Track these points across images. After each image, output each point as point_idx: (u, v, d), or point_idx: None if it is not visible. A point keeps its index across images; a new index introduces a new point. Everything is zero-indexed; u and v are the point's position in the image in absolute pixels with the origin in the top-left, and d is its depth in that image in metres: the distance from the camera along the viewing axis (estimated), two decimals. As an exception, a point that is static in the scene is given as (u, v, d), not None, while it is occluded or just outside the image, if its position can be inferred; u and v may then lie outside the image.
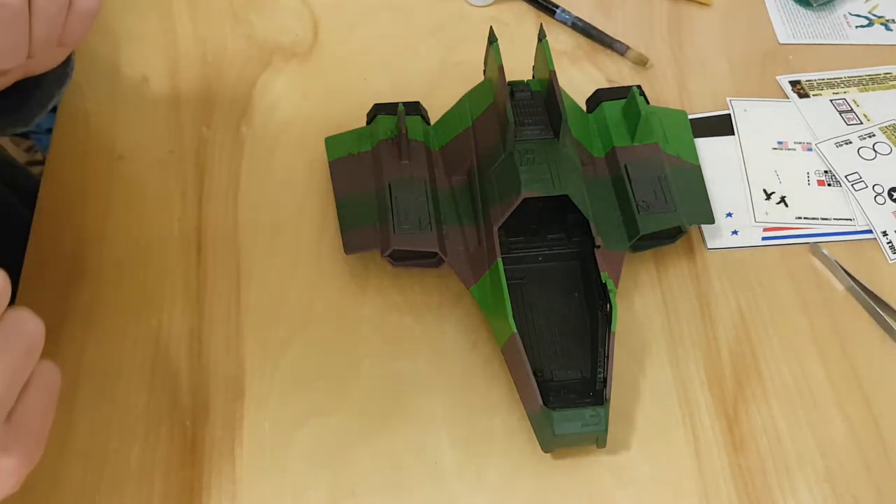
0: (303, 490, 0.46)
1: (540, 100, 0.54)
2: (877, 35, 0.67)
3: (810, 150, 0.59)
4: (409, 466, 0.47)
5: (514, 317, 0.46)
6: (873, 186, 0.57)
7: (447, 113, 0.56)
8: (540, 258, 0.52)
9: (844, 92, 0.63)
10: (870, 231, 0.56)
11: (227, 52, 0.64)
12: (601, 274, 0.48)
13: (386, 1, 0.67)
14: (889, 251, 0.55)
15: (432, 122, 0.57)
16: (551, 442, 0.45)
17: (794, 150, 0.60)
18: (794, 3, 0.68)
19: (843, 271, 0.54)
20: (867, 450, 0.48)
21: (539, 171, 0.49)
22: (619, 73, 0.63)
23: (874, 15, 0.68)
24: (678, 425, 0.49)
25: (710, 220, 0.54)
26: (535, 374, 0.46)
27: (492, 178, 0.51)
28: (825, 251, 0.54)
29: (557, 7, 0.66)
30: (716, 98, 0.62)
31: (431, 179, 0.53)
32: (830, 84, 0.63)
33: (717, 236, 0.56)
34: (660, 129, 0.56)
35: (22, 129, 0.47)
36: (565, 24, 0.66)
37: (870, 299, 0.53)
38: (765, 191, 0.58)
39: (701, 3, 0.68)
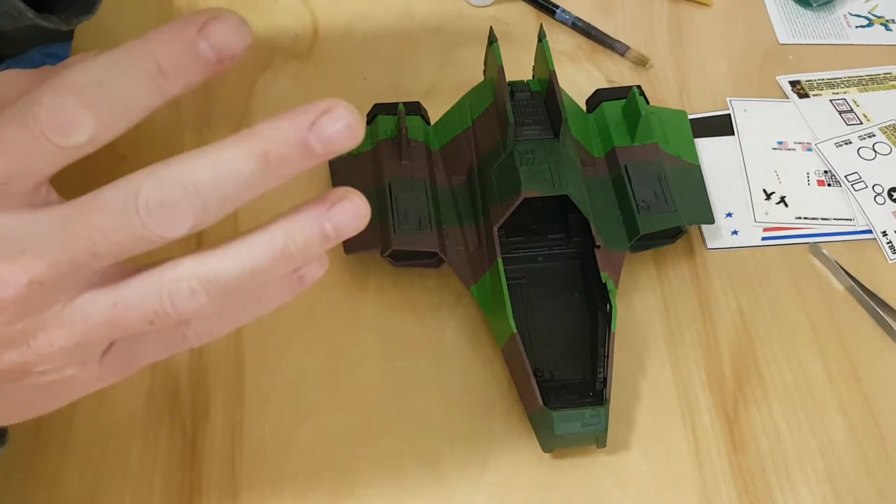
0: (303, 490, 0.46)
1: (540, 100, 0.54)
2: (877, 35, 0.67)
3: (810, 150, 0.59)
4: (409, 466, 0.47)
5: (514, 317, 0.46)
6: (873, 186, 0.57)
7: (447, 113, 0.56)
8: (540, 258, 0.52)
9: (844, 92, 0.63)
10: (870, 231, 0.56)
11: (227, 52, 0.63)
12: (601, 274, 0.48)
13: (386, 1, 0.67)
14: (889, 251, 0.55)
15: (432, 122, 0.57)
16: (551, 442, 0.45)
17: (794, 150, 0.60)
18: (794, 3, 0.68)
19: (843, 271, 0.54)
20: (867, 450, 0.48)
21: (539, 171, 0.49)
22: (619, 73, 0.63)
23: (874, 15, 0.68)
24: (678, 425, 0.49)
25: (710, 220, 0.54)
26: (535, 374, 0.46)
27: (492, 177, 0.51)
28: (825, 251, 0.54)
29: (557, 7, 0.66)
30: (716, 98, 0.62)
31: (431, 179, 0.53)
32: (830, 84, 0.63)
33: (717, 236, 0.56)
34: (660, 129, 0.56)
35: (87, 18, 0.50)
36: (565, 24, 0.66)
37: (870, 299, 0.53)
38: (765, 191, 0.58)
39: (701, 3, 0.68)
